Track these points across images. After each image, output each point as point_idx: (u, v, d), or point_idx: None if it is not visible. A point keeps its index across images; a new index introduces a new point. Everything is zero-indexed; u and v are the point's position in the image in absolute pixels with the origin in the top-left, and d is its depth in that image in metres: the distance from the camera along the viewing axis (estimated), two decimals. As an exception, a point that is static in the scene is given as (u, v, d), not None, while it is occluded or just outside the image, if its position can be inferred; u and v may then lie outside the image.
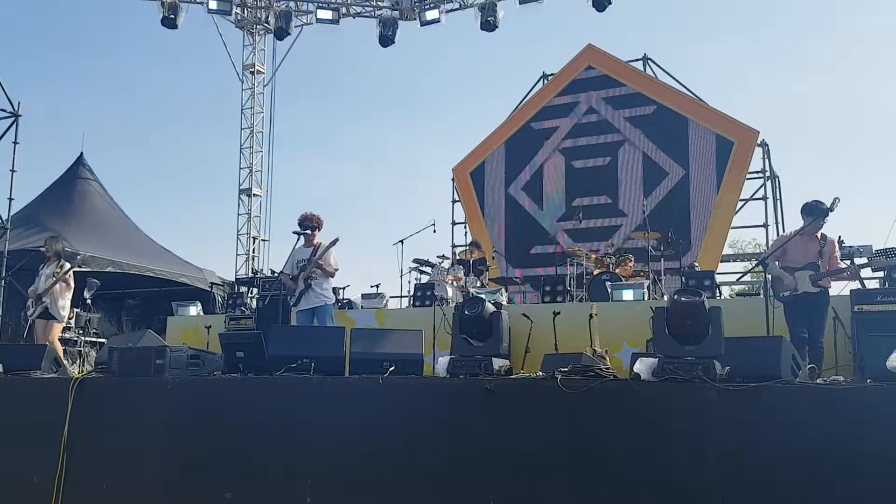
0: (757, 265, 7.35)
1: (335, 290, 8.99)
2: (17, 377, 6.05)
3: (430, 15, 15.43)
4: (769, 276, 6.36)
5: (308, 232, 7.43)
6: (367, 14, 16.31)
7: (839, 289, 6.97)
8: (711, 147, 13.27)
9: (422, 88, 45.70)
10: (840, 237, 6.96)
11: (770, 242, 13.33)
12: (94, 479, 5.26)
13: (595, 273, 9.58)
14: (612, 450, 3.94)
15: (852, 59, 40.70)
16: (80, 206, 14.46)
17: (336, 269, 7.43)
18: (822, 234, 6.39)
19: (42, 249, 8.37)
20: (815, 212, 6.28)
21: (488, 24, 14.77)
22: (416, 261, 10.42)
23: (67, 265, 7.60)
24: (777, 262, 6.44)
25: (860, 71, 41.60)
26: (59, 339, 10.36)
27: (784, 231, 13.28)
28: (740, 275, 15.31)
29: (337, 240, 7.33)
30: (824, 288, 6.30)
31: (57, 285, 7.49)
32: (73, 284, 7.68)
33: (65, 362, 7.58)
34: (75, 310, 8.93)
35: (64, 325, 7.77)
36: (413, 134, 47.19)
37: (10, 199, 11.57)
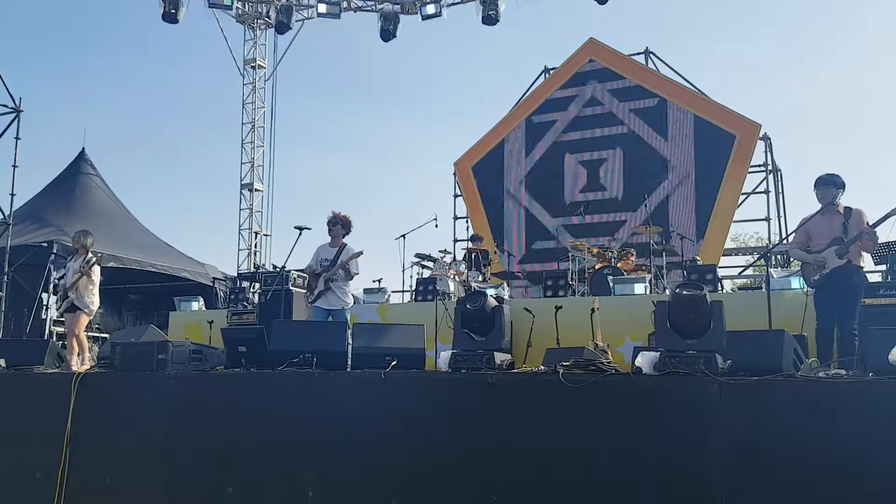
0: (759, 258, 7.28)
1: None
2: (20, 372, 6.06)
3: (432, 9, 15.39)
4: (789, 265, 6.15)
5: (330, 229, 7.66)
6: (369, 8, 16.26)
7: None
8: (713, 140, 13.23)
9: (423, 83, 45.69)
10: None
11: (772, 236, 13.33)
12: (97, 473, 5.28)
13: (597, 267, 9.58)
14: (614, 444, 3.94)
15: (853, 55, 40.63)
16: (81, 201, 14.47)
17: (356, 273, 7.64)
18: (845, 207, 5.81)
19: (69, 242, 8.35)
20: (827, 183, 5.82)
21: (490, 18, 14.71)
22: (418, 255, 10.43)
23: (92, 258, 7.60)
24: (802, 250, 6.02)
25: (863, 65, 41.51)
26: (59, 333, 10.44)
27: (788, 226, 13.23)
28: (742, 268, 15.33)
29: (361, 252, 7.56)
30: (853, 263, 5.72)
31: (82, 279, 7.50)
32: (96, 278, 7.68)
33: (88, 354, 7.64)
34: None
35: (91, 316, 7.79)
36: (415, 128, 47.19)
37: (12, 194, 11.57)
